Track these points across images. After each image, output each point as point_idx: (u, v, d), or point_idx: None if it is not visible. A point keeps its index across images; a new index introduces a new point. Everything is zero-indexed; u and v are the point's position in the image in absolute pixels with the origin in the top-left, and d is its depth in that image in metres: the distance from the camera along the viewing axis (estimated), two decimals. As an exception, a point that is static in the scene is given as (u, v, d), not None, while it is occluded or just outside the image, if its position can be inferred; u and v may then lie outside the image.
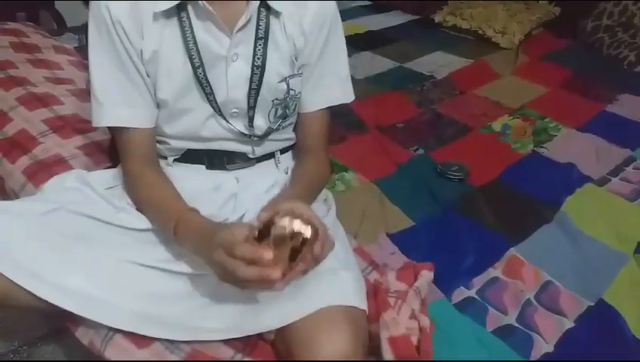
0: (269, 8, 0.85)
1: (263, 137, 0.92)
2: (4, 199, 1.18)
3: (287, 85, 0.89)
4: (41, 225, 0.81)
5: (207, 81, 0.85)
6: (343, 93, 0.97)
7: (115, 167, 1.02)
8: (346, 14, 2.77)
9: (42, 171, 1.12)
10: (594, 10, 2.41)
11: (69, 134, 1.24)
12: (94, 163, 1.17)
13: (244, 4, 0.83)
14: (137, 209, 0.90)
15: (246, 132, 0.91)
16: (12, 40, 1.65)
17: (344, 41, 0.96)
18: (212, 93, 0.86)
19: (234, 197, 0.95)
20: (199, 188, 0.93)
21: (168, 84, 0.85)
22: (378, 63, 2.21)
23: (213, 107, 0.87)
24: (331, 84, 0.95)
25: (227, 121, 0.89)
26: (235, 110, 0.89)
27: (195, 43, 0.83)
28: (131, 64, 0.84)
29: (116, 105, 0.86)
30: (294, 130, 0.99)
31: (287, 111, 0.92)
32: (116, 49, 0.82)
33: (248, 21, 0.84)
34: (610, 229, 1.23)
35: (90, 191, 0.92)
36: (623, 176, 1.46)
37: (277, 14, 0.86)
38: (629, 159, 1.53)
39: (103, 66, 0.84)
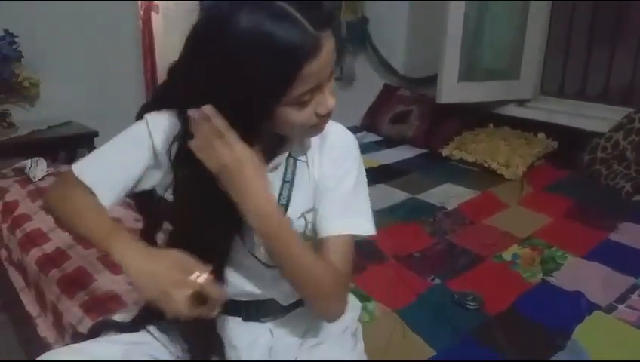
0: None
1: None
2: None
3: (305, 220, 0.95)
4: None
5: None
6: (364, 226, 0.96)
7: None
8: (360, 150, 3.02)
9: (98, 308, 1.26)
10: (588, 144, 2.62)
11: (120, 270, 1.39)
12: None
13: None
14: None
15: (266, 261, 0.94)
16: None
17: (363, 178, 0.99)
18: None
19: (269, 351, 1.00)
20: (236, 344, 0.99)
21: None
22: (392, 195, 2.38)
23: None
24: (354, 213, 0.95)
25: (249, 249, 0.94)
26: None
27: None
28: (134, 166, 0.91)
29: (99, 171, 0.92)
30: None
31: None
32: (134, 147, 0.91)
33: (276, 167, 0.94)
34: (620, 357, 1.31)
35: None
36: (629, 304, 1.54)
37: (302, 162, 0.96)
38: (634, 286, 1.63)
39: (111, 153, 0.93)
